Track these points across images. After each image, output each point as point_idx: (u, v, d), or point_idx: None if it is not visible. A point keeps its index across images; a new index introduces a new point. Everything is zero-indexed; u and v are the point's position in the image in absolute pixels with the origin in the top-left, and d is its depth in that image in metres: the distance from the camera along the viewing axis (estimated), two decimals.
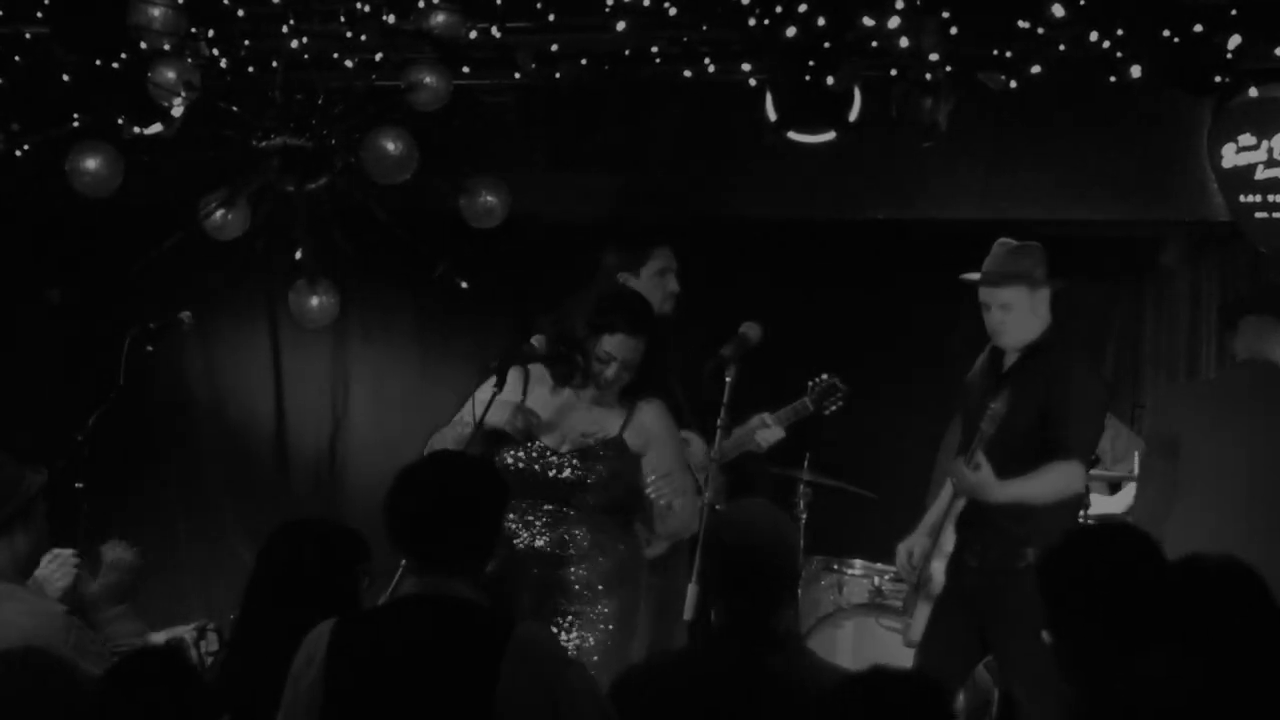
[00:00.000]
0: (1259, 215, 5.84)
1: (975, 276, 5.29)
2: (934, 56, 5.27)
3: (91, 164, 5.46)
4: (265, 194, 5.48)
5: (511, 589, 4.86)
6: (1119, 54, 5.25)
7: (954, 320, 5.89)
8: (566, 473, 4.90)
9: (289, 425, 7.69)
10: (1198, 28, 5.00)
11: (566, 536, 4.88)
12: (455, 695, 3.24)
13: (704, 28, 5.55)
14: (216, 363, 7.71)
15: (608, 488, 4.90)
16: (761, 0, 5.27)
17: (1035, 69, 5.32)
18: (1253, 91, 5.56)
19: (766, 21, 5.29)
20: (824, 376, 5.77)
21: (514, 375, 4.97)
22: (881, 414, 6.83)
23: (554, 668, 3.28)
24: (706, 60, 5.69)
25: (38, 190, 6.13)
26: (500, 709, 3.19)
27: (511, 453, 4.92)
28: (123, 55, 5.38)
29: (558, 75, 5.88)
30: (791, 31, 5.22)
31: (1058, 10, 5.04)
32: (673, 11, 5.42)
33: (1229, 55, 5.01)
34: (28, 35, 5.78)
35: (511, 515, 4.88)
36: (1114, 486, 6.35)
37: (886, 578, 6.23)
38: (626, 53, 5.76)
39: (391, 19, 5.44)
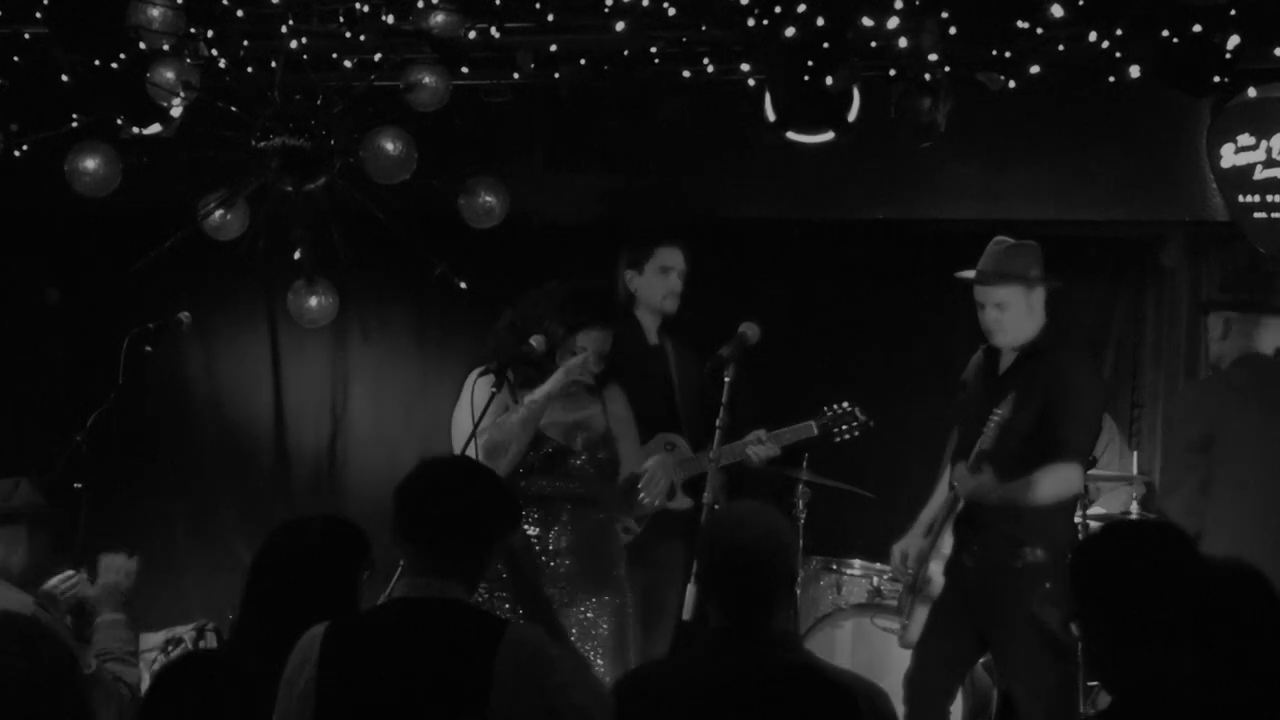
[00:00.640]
0: (1258, 215, 5.84)
1: (970, 275, 5.29)
2: (933, 57, 5.27)
3: (90, 164, 5.46)
4: (264, 194, 5.48)
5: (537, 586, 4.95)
6: (1118, 54, 5.25)
7: (954, 320, 5.89)
8: (579, 468, 5.03)
9: (288, 425, 7.69)
10: (1197, 28, 5.00)
11: (560, 533, 4.96)
12: (449, 698, 3.23)
13: (703, 28, 5.56)
14: (216, 362, 7.71)
15: (612, 480, 5.05)
16: (760, 0, 5.27)
17: (1034, 69, 5.32)
18: (1251, 92, 5.56)
19: (765, 22, 5.29)
20: (845, 405, 5.71)
21: (486, 383, 5.03)
22: (881, 414, 6.83)
23: (547, 669, 3.28)
24: (705, 60, 5.69)
25: (37, 190, 6.13)
26: (494, 711, 3.19)
27: (530, 452, 5.02)
28: (122, 55, 5.38)
29: (557, 75, 5.88)
30: (790, 31, 5.22)
31: (1057, 10, 5.04)
32: (672, 12, 5.42)
33: (1228, 55, 5.01)
34: (27, 36, 5.79)
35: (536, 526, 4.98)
36: None
37: (885, 578, 6.23)
38: (625, 53, 5.76)
39: (391, 19, 5.44)
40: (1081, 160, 6.24)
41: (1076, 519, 5.49)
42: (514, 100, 6.15)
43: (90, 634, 4.31)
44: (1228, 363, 5.17)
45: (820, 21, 5.19)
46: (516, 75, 5.86)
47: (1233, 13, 5.02)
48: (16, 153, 5.72)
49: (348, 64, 5.63)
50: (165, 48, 5.34)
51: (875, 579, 6.28)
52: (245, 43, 5.60)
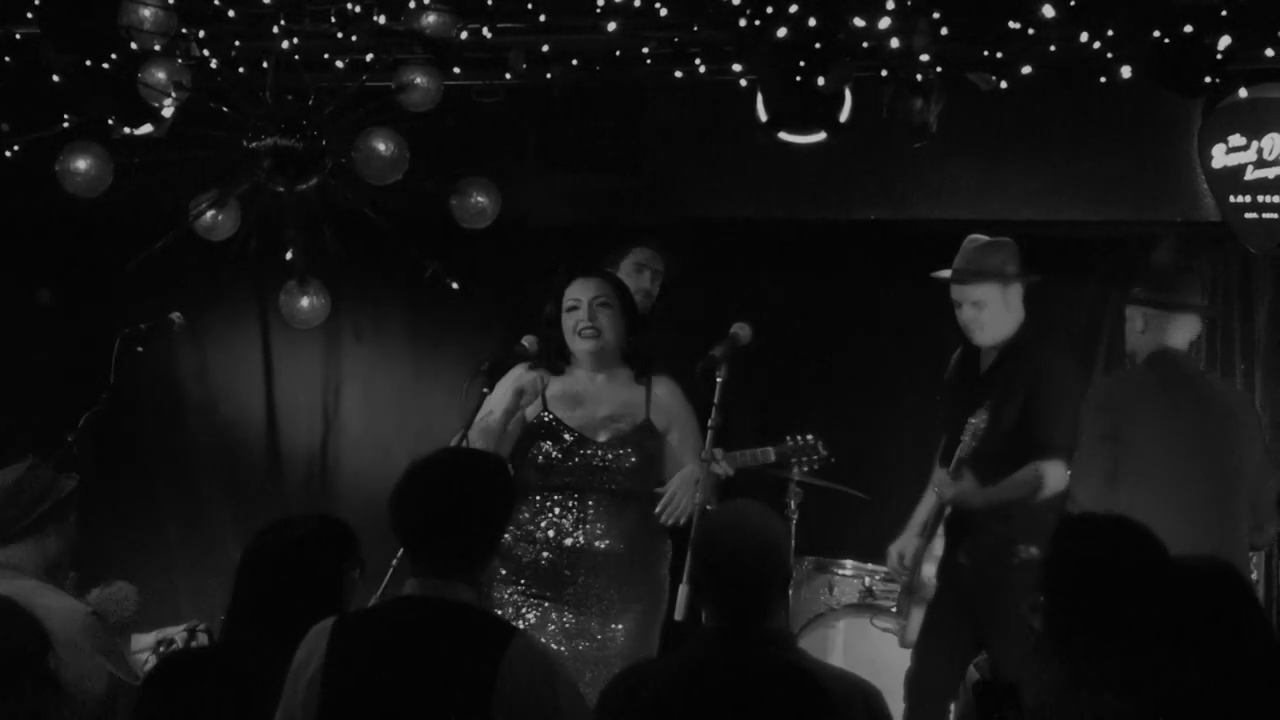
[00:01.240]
0: (1249, 216, 5.86)
1: (946, 274, 5.30)
2: (925, 57, 5.27)
3: (82, 164, 5.45)
4: (256, 194, 5.47)
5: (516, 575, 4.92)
6: (1109, 55, 5.26)
7: (947, 320, 5.89)
8: (607, 459, 5.00)
9: (280, 425, 7.69)
10: (1188, 29, 5.01)
11: (593, 525, 4.96)
12: (452, 700, 3.24)
13: (695, 28, 5.56)
14: (208, 363, 7.70)
15: (641, 472, 5.03)
16: (752, 1, 5.27)
17: (1026, 70, 5.33)
18: (1242, 92, 5.57)
19: (757, 22, 5.29)
20: (808, 437, 5.66)
21: (510, 380, 5.03)
22: (873, 414, 6.84)
23: (549, 679, 3.29)
24: (697, 61, 5.69)
25: (28, 191, 6.12)
26: (495, 715, 3.20)
27: (549, 444, 4.99)
28: (113, 56, 5.37)
29: (549, 76, 5.87)
30: (782, 32, 5.22)
31: (1048, 11, 5.04)
32: (663, 12, 5.42)
33: (1219, 56, 5.02)
34: (18, 36, 5.77)
35: (527, 509, 4.95)
36: None
37: (878, 578, 6.24)
38: (617, 53, 5.76)
39: (383, 19, 5.44)
40: (1073, 161, 6.25)
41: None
42: (506, 101, 6.15)
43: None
44: (1143, 356, 5.17)
45: (812, 22, 5.19)
46: (508, 76, 5.86)
47: (1224, 13, 5.03)
48: (8, 153, 5.71)
49: (339, 64, 5.63)
50: (157, 48, 5.33)
51: (867, 579, 6.29)
52: (237, 43, 5.59)
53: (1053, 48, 5.26)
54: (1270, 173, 5.76)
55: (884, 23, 5.17)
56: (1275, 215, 5.80)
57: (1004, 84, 5.36)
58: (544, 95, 6.09)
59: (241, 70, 5.59)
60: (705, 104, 6.17)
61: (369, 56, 5.54)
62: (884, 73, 5.45)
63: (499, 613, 4.85)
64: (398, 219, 5.52)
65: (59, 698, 3.55)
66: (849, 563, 6.39)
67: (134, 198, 5.64)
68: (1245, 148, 5.78)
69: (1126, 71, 5.28)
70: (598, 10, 5.47)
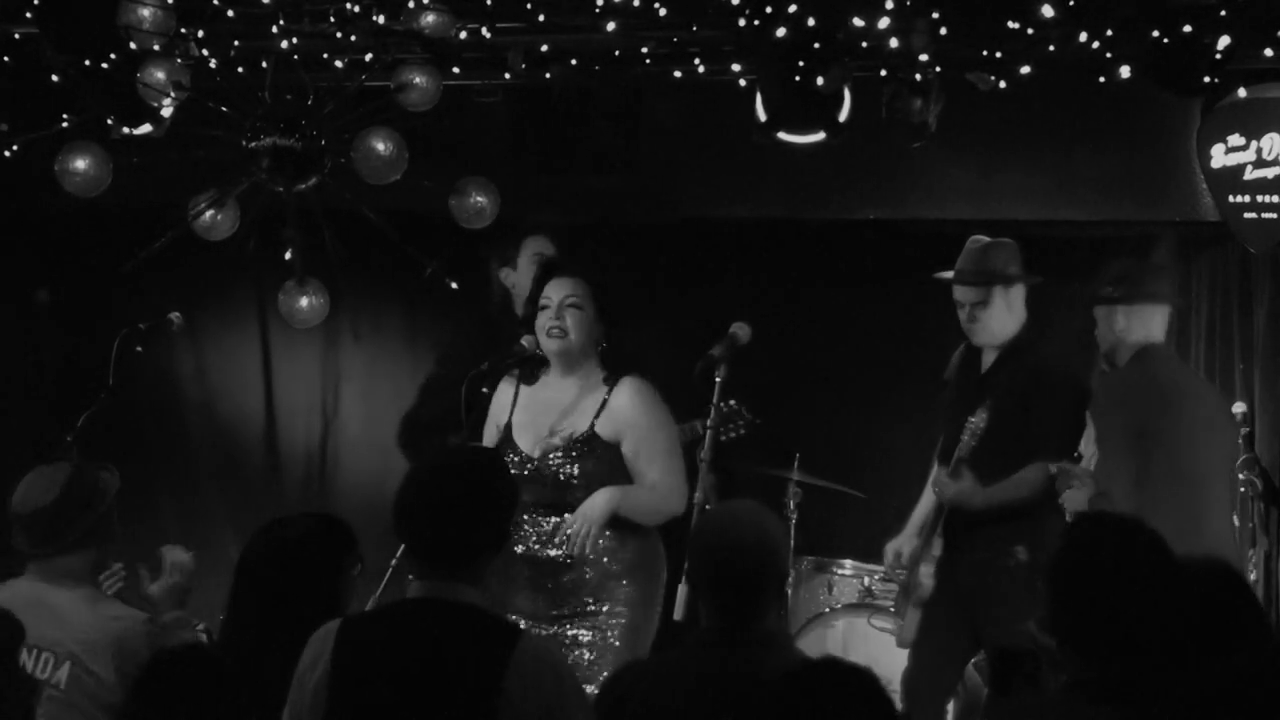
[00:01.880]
0: (1248, 215, 5.85)
1: (948, 275, 5.31)
2: (924, 57, 5.27)
3: (81, 164, 5.44)
4: (255, 194, 5.47)
5: (505, 594, 4.88)
6: (1108, 55, 5.25)
7: (945, 320, 5.89)
8: (546, 476, 4.92)
9: (279, 425, 7.69)
10: (1187, 28, 5.00)
11: (558, 539, 4.88)
12: (460, 701, 3.24)
13: (694, 28, 5.55)
14: (207, 363, 7.70)
15: (587, 484, 4.91)
16: (751, 0, 5.27)
17: (1025, 69, 5.32)
18: (1241, 92, 5.57)
19: (756, 22, 5.28)
20: (732, 403, 5.62)
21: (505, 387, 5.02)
22: (872, 414, 6.84)
23: (555, 680, 3.30)
24: (696, 61, 5.68)
25: (27, 191, 6.12)
26: (501, 716, 3.20)
27: (508, 458, 4.94)
28: (112, 55, 5.36)
29: (548, 76, 5.87)
30: (782, 32, 5.21)
31: (1047, 11, 5.04)
32: (662, 12, 5.41)
33: (1218, 56, 5.01)
34: (16, 35, 5.77)
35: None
36: None
37: (876, 577, 6.25)
38: (616, 53, 5.75)
39: (382, 19, 5.43)
40: (1072, 160, 6.25)
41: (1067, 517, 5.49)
42: (505, 100, 6.14)
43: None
44: (1128, 353, 5.16)
45: (811, 22, 5.19)
46: (507, 75, 5.85)
47: (1223, 13, 5.03)
48: (7, 153, 5.71)
49: (338, 64, 5.62)
50: (156, 48, 5.33)
51: (866, 579, 6.29)
52: (236, 43, 5.58)
53: (1052, 48, 5.26)
54: (1269, 172, 5.76)
55: (883, 23, 5.16)
56: (1274, 215, 5.80)
57: (1003, 84, 5.36)
58: (543, 95, 6.09)
59: (241, 70, 5.59)
60: (705, 104, 6.17)
61: (368, 56, 5.53)
62: (883, 73, 5.45)
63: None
64: (397, 219, 5.52)
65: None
66: (848, 562, 6.39)
67: (133, 198, 5.64)
68: (1244, 147, 5.78)
69: (1126, 71, 5.27)
70: (597, 10, 5.46)
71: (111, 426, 6.16)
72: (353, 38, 5.49)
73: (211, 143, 5.31)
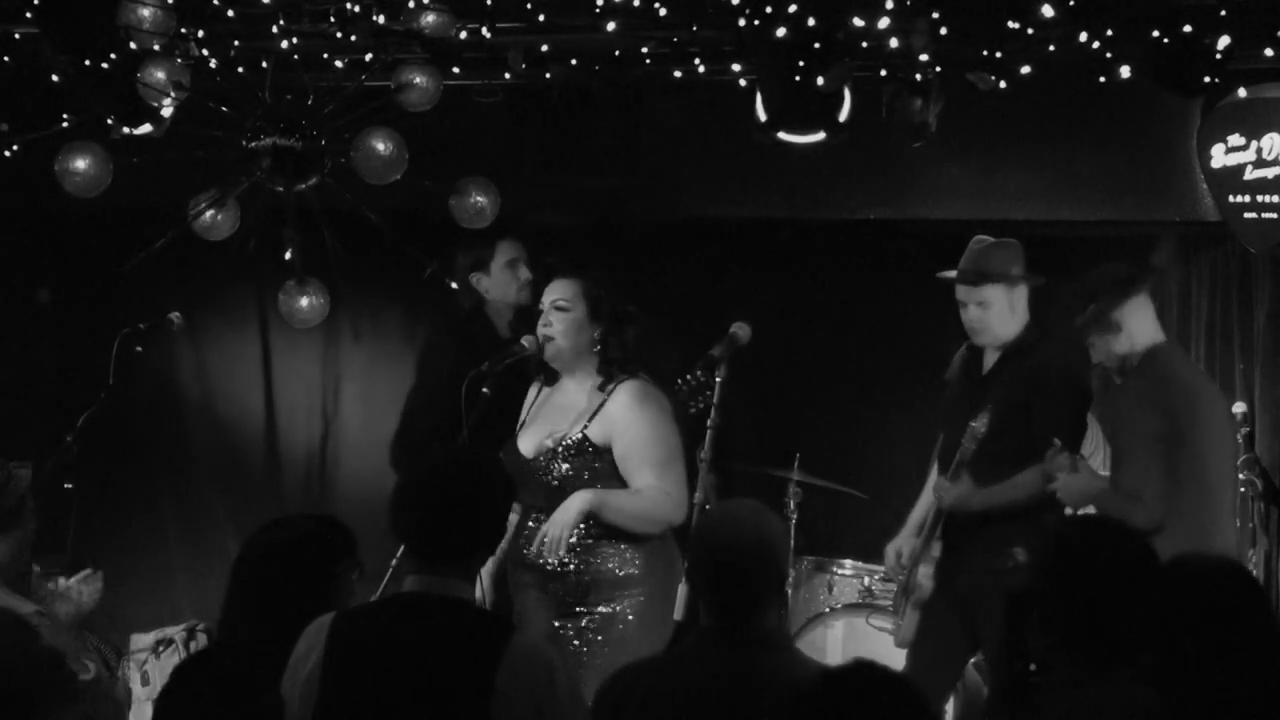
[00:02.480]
0: (1248, 215, 5.86)
1: (952, 274, 5.31)
2: (924, 57, 5.27)
3: (81, 164, 5.44)
4: (255, 194, 5.47)
5: (500, 597, 4.88)
6: (1108, 55, 5.25)
7: (945, 320, 5.89)
8: (539, 478, 4.91)
9: (279, 425, 7.69)
10: (1187, 28, 5.00)
11: (534, 544, 4.86)
12: (452, 696, 3.25)
13: (694, 28, 5.54)
14: (206, 363, 7.70)
15: (577, 488, 4.86)
16: (751, 0, 5.27)
17: (1025, 70, 5.32)
18: (1242, 92, 5.57)
19: (756, 22, 5.28)
20: (699, 374, 5.58)
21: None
22: (872, 414, 6.84)
23: (548, 677, 3.30)
24: (697, 60, 5.68)
25: (27, 191, 6.12)
26: (494, 713, 3.21)
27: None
28: (112, 55, 5.36)
29: (548, 76, 5.87)
30: (782, 32, 5.21)
31: (1047, 11, 5.04)
32: (663, 12, 5.41)
33: (1218, 56, 5.01)
34: (16, 35, 5.77)
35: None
36: None
37: (877, 578, 6.25)
38: (617, 53, 5.75)
39: (382, 19, 5.43)
40: (1072, 161, 6.25)
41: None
42: (505, 100, 6.14)
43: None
44: (1141, 352, 5.13)
45: (811, 22, 5.19)
46: (508, 75, 5.85)
47: (1223, 13, 5.03)
48: (7, 153, 5.71)
49: (339, 64, 5.62)
50: (156, 48, 5.33)
51: (866, 579, 6.29)
52: (236, 43, 5.58)
53: (1052, 48, 5.26)
54: (1269, 172, 5.76)
55: (883, 22, 5.16)
56: (1274, 215, 5.80)
57: (1003, 84, 5.35)
58: (543, 95, 6.08)
59: (241, 70, 5.59)
60: (705, 104, 6.17)
61: (368, 56, 5.53)
62: (883, 73, 5.45)
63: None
64: (397, 219, 5.52)
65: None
66: (848, 562, 6.39)
67: (133, 198, 5.64)
68: (1244, 147, 5.78)
69: (1126, 71, 5.27)
70: (597, 10, 5.46)
71: (112, 426, 6.17)
72: (353, 38, 5.49)
73: (211, 143, 5.31)
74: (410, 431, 6.06)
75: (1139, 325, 5.11)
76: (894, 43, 5.21)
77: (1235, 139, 5.79)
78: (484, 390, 4.96)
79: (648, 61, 5.75)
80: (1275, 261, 6.17)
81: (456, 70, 5.63)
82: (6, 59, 5.84)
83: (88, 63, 5.41)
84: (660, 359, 5.22)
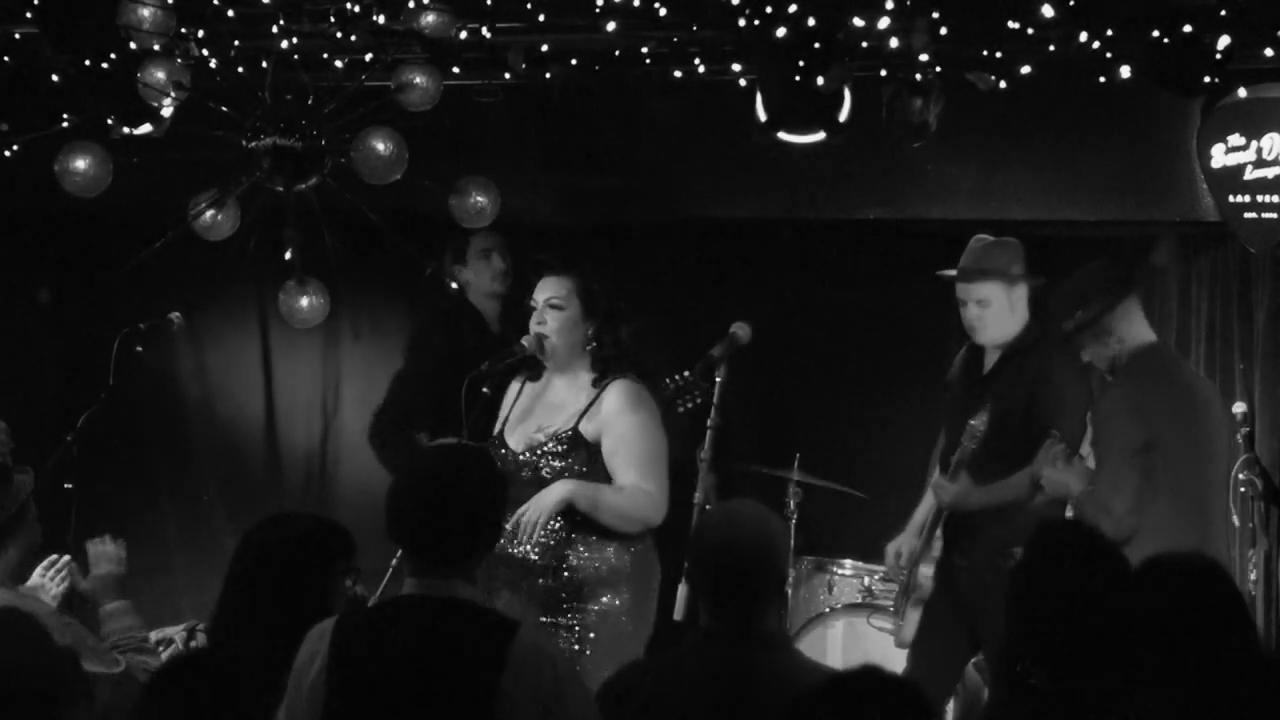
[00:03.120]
0: (1248, 215, 5.85)
1: (952, 272, 5.31)
2: (924, 57, 5.27)
3: (81, 164, 5.45)
4: (255, 194, 5.47)
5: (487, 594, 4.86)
6: (1108, 54, 5.25)
7: (945, 320, 5.89)
8: (528, 473, 4.90)
9: (279, 425, 7.69)
10: (1187, 28, 5.00)
11: (542, 540, 4.86)
12: (456, 700, 3.24)
13: (694, 28, 5.55)
14: (207, 363, 7.70)
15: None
16: (751, 0, 5.27)
17: (1025, 69, 5.32)
18: (1242, 92, 5.56)
19: (756, 22, 5.28)
20: (687, 374, 5.55)
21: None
22: (872, 414, 6.84)
23: (553, 677, 3.29)
24: (697, 61, 5.68)
25: (27, 191, 6.12)
26: (499, 713, 3.20)
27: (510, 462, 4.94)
28: (112, 55, 5.37)
29: (548, 75, 5.87)
30: (782, 32, 5.21)
31: (1047, 11, 5.04)
32: (662, 12, 5.41)
33: (1218, 56, 5.01)
34: (17, 35, 5.77)
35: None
36: None
37: (877, 578, 6.24)
38: (617, 53, 5.75)
39: (382, 19, 5.43)
40: (1072, 160, 6.24)
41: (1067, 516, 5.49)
42: (505, 100, 6.14)
43: (98, 627, 4.30)
44: (1130, 353, 5.13)
45: (811, 22, 5.19)
46: (507, 75, 5.86)
47: (1223, 13, 5.03)
48: (7, 153, 5.71)
49: (339, 64, 5.62)
50: (156, 47, 5.33)
51: (867, 579, 6.29)
52: (236, 43, 5.58)
53: (1052, 48, 5.26)
54: (1269, 172, 5.75)
55: (883, 22, 5.16)
56: (1274, 215, 5.79)
57: (1003, 84, 5.35)
58: (543, 95, 6.08)
59: (241, 70, 5.59)
60: (705, 104, 6.16)
61: (368, 56, 5.53)
62: (883, 72, 5.45)
63: None
64: (397, 219, 5.52)
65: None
66: (848, 562, 6.39)
67: (133, 198, 5.64)
68: (1244, 147, 5.77)
69: (1126, 71, 5.27)
70: (597, 10, 5.46)
71: (112, 426, 6.17)
72: (353, 38, 5.49)
73: (212, 143, 5.31)
74: (389, 415, 6.11)
75: (1129, 328, 5.12)
76: (894, 43, 5.21)
77: (1235, 139, 5.78)
78: (484, 390, 4.96)
79: (648, 61, 5.75)
80: (1275, 261, 6.17)
81: (456, 70, 5.63)
82: (6, 59, 5.84)
83: (88, 63, 5.41)
84: (648, 357, 5.21)
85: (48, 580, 4.44)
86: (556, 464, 4.88)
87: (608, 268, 5.81)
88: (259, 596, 3.51)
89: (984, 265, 5.25)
